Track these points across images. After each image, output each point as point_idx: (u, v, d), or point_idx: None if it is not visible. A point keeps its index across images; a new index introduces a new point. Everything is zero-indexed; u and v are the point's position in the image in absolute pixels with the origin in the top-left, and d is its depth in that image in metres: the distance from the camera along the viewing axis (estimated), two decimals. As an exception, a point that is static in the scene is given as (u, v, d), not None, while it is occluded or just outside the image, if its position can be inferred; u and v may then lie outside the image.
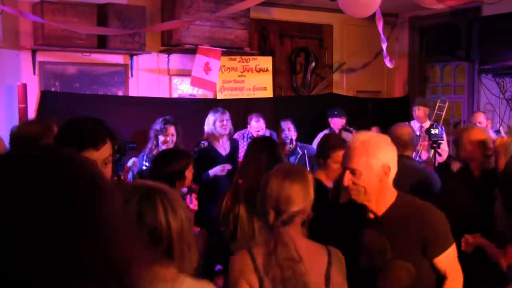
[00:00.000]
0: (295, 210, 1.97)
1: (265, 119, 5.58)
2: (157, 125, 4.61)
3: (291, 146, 4.94)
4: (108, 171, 1.95)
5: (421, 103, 6.07)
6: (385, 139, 2.20)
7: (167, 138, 4.57)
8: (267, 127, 5.64)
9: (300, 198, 1.98)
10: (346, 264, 2.04)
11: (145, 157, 4.50)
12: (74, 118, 2.08)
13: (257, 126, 5.47)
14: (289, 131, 5.27)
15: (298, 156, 5.01)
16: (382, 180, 2.13)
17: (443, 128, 5.55)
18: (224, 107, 5.17)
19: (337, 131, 5.73)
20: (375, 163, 2.11)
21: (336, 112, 5.90)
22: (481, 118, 5.32)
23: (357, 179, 2.13)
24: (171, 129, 4.60)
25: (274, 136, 5.51)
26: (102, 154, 1.89)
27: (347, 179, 2.15)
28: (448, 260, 2.17)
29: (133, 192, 1.56)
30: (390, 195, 2.20)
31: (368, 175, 2.11)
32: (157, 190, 1.57)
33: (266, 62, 6.58)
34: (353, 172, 2.13)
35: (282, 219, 1.97)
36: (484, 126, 5.25)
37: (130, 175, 4.28)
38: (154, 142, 4.60)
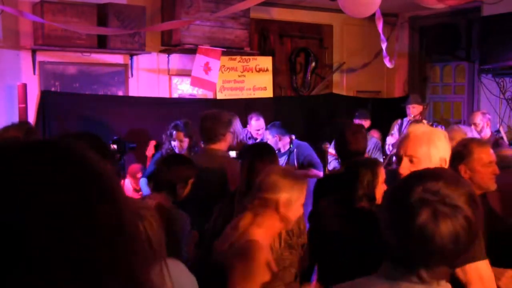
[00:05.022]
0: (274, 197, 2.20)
1: (265, 119, 5.57)
2: (168, 130, 4.51)
3: (291, 146, 4.91)
4: None
5: (417, 101, 6.06)
6: (445, 133, 2.14)
7: (175, 143, 4.51)
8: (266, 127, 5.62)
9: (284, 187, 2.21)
10: None
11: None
12: (74, 134, 2.01)
13: (257, 125, 5.44)
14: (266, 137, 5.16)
15: (291, 155, 4.90)
16: None
17: (443, 128, 5.55)
18: (224, 107, 5.16)
19: None
20: (435, 153, 2.03)
21: (357, 114, 6.01)
22: (477, 120, 5.25)
23: (415, 169, 1.99)
24: (180, 135, 4.53)
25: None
26: None
27: (405, 167, 2.03)
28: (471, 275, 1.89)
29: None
30: None
31: (427, 165, 1.98)
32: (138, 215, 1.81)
33: (266, 62, 6.58)
34: (411, 160, 2.04)
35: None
36: (480, 128, 5.20)
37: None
38: (168, 146, 4.51)
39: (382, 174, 2.82)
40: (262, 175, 2.27)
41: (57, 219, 0.63)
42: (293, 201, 2.22)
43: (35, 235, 0.61)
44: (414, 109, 5.96)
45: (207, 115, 3.63)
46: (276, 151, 4.68)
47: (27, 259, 0.61)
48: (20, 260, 0.60)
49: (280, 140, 4.97)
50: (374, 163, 2.90)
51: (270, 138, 5.03)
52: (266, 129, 5.24)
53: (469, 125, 5.31)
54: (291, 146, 4.93)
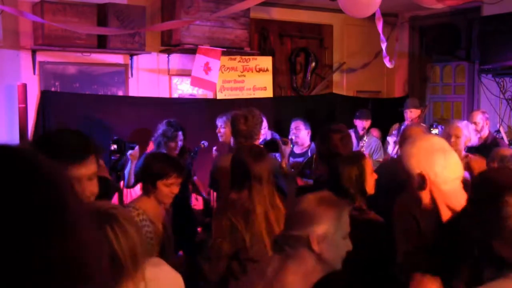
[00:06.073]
0: None
1: (266, 119, 5.57)
2: (166, 131, 4.46)
3: (292, 146, 4.93)
4: (93, 186, 1.80)
5: (415, 105, 6.04)
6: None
7: (173, 144, 4.48)
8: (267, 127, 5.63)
9: None
10: None
11: None
12: (54, 130, 1.99)
13: None
14: (297, 130, 5.27)
15: (307, 158, 4.95)
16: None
17: (443, 129, 5.54)
18: (224, 107, 5.17)
19: (360, 132, 5.76)
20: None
21: (357, 113, 5.96)
22: (477, 119, 5.25)
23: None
24: (180, 135, 4.53)
25: (276, 136, 5.50)
26: (88, 169, 1.75)
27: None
28: None
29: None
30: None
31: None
32: (106, 217, 1.60)
33: (266, 62, 6.58)
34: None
35: None
36: (480, 128, 5.20)
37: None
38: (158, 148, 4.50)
39: (368, 165, 2.77)
40: (291, 208, 1.99)
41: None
42: (330, 234, 1.86)
43: None
44: (411, 113, 5.95)
45: (240, 116, 3.65)
46: (290, 150, 4.77)
47: None
48: None
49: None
50: (357, 157, 2.85)
51: (303, 129, 5.29)
52: (292, 121, 5.43)
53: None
54: (292, 147, 4.96)
